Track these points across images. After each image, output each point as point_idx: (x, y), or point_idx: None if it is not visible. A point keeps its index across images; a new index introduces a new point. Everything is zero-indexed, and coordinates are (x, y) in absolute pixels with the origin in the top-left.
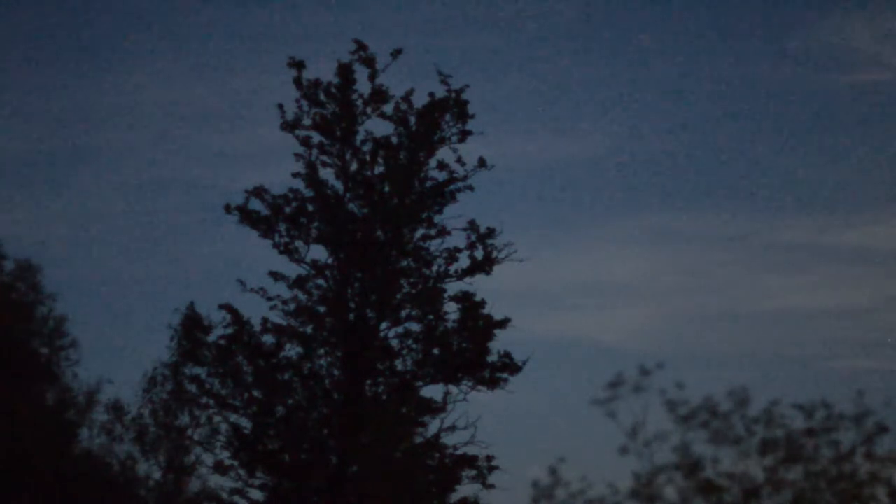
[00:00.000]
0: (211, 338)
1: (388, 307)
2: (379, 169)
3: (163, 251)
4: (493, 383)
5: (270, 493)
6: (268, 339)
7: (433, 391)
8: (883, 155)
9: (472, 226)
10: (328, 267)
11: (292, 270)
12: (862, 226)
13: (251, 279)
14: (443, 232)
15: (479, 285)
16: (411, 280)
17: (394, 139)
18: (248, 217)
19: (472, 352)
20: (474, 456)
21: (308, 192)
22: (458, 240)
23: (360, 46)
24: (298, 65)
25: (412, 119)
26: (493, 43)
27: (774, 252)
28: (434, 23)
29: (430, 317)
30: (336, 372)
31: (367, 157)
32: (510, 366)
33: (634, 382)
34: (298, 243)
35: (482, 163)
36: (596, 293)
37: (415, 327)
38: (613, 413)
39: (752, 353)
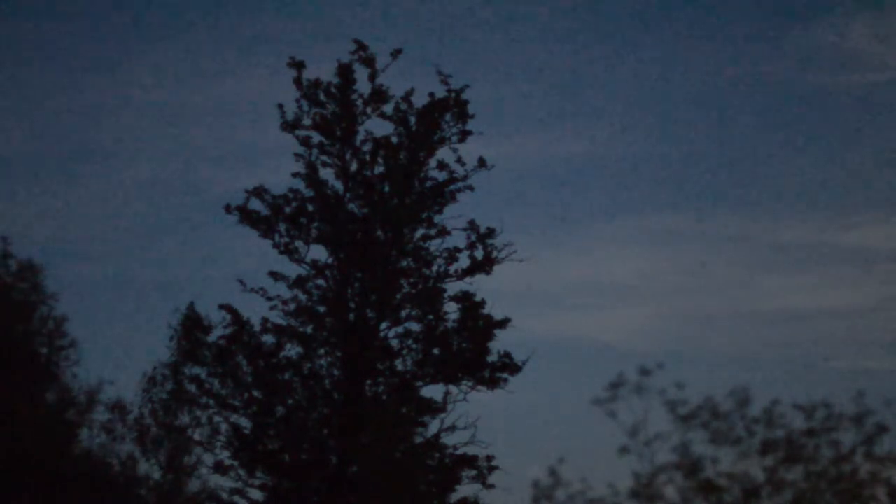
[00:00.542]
0: (211, 338)
1: (388, 307)
2: (379, 169)
3: (163, 251)
4: (493, 383)
5: (270, 493)
6: (268, 339)
7: (433, 391)
8: (883, 155)
9: (472, 226)
10: (328, 267)
11: (292, 270)
12: (862, 226)
13: (251, 279)
14: (443, 232)
15: (479, 285)
16: (411, 280)
17: (394, 139)
18: (248, 217)
19: (472, 352)
20: (474, 456)
21: (308, 192)
22: (458, 240)
23: (360, 46)
24: (298, 65)
25: (412, 119)
26: (493, 43)
27: (774, 252)
28: (434, 23)
29: (430, 317)
30: (336, 372)
31: (367, 157)
32: (510, 366)
33: (635, 382)
34: (298, 243)
35: (482, 163)
36: (596, 293)
37: (415, 327)
38: (614, 413)
39: (752, 353)
